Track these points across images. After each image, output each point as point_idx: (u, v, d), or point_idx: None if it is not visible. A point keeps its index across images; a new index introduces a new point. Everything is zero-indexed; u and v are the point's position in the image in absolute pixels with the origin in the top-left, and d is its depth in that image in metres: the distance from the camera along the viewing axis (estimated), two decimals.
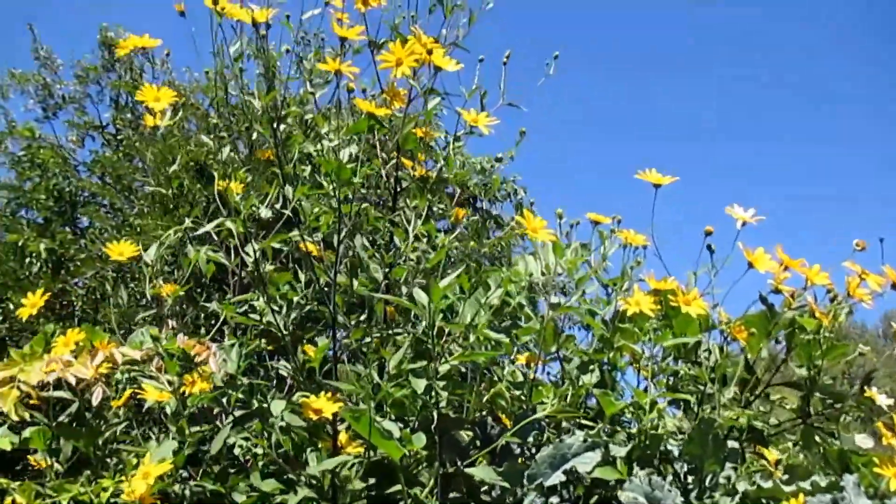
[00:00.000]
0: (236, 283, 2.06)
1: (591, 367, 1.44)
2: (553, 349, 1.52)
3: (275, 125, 1.30)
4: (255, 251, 1.25)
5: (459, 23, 1.60)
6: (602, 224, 1.57)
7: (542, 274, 1.39)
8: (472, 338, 1.22)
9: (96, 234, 5.06)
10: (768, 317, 1.54)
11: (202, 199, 5.18)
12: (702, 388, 1.52)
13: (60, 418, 1.45)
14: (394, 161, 1.65)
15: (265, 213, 1.48)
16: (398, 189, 1.67)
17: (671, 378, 1.54)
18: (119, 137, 6.47)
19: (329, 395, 1.24)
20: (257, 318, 1.44)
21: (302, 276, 1.74)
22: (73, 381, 1.17)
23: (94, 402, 1.22)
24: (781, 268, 1.34)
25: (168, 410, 1.41)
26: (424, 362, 1.21)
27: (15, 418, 1.21)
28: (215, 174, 5.18)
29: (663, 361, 1.48)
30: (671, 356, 1.57)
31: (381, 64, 1.32)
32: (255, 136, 1.84)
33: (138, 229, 4.93)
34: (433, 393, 1.16)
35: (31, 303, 1.63)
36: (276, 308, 1.42)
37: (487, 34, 1.70)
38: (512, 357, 1.51)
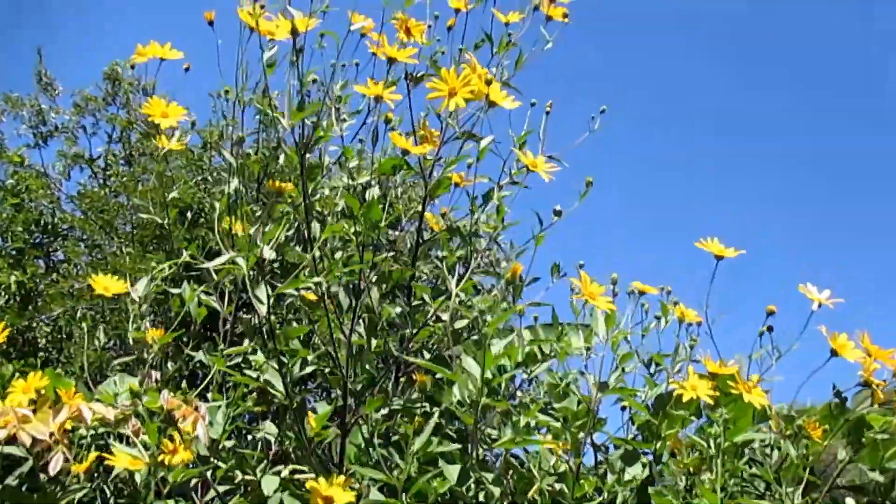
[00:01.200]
0: (227, 332, 1.85)
1: (639, 457, 1.24)
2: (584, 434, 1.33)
3: (303, 151, 1.12)
4: (269, 297, 1.05)
5: (505, 62, 1.45)
6: (647, 294, 1.40)
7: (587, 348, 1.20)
8: (522, 420, 1.03)
9: (69, 270, 4.82)
10: (835, 412, 1.36)
11: (188, 240, 4.97)
12: (761, 489, 1.32)
13: (8, 480, 1.22)
14: (418, 209, 1.47)
15: (269, 253, 1.28)
16: (420, 241, 1.49)
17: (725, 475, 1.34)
18: (108, 172, 6.29)
19: (342, 479, 1.02)
20: (253, 375, 1.23)
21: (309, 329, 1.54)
22: (27, 441, 0.95)
23: (52, 472, 1.00)
24: (871, 358, 1.17)
25: (138, 480, 1.19)
26: (456, 445, 1.01)
27: None
28: (201, 215, 4.86)
29: (723, 457, 1.28)
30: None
31: (432, 93, 1.15)
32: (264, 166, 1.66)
33: (114, 267, 4.70)
34: (471, 485, 0.95)
35: None
36: (275, 366, 1.21)
37: (540, 75, 1.55)
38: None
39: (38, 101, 6.32)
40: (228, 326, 1.78)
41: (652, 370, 1.40)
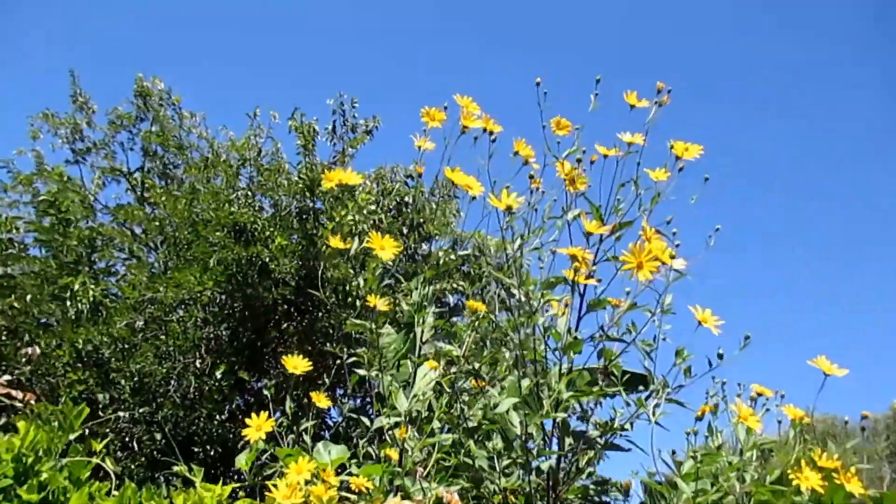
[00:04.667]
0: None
1: None
2: None
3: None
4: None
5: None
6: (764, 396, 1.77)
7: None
8: None
9: (134, 282, 5.08)
10: None
11: (240, 259, 5.25)
12: None
13: None
14: None
15: None
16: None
17: None
18: (145, 184, 6.53)
19: None
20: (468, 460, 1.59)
21: None
22: None
23: None
24: None
25: None
26: None
27: None
28: (253, 233, 5.28)
29: None
30: None
31: (623, 266, 1.52)
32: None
33: (175, 282, 4.99)
34: None
35: (257, 425, 1.75)
36: (486, 454, 1.58)
37: None
38: None
39: (75, 118, 6.54)
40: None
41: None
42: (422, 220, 6.36)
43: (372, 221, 5.37)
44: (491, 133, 1.84)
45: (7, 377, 2.65)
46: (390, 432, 1.67)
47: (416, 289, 2.03)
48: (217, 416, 5.37)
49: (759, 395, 1.75)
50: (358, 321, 2.02)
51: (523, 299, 1.64)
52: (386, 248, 1.76)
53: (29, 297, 4.67)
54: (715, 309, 1.63)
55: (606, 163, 1.83)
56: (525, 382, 1.56)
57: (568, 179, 1.72)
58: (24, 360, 3.87)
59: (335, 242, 1.98)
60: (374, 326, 1.93)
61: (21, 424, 2.22)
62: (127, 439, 5.06)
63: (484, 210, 1.93)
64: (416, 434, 1.60)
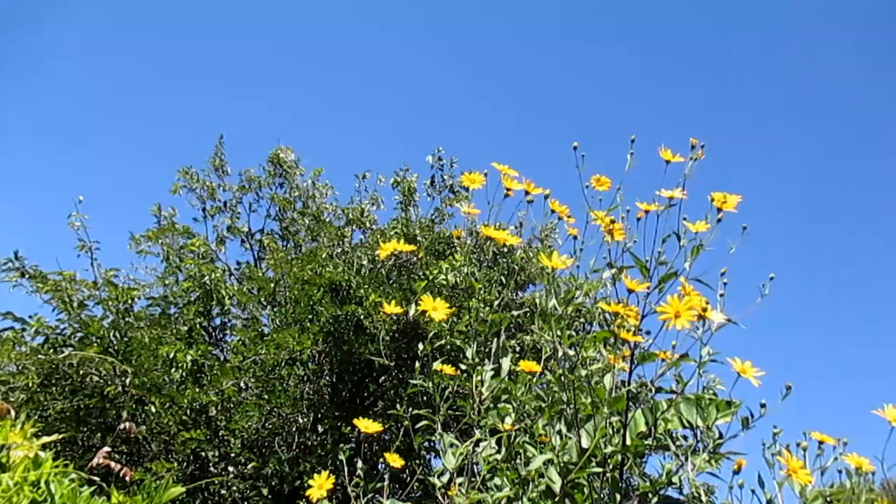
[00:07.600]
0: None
1: None
2: None
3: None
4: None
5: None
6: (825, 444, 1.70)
7: None
8: None
9: (238, 347, 5.38)
10: None
11: (337, 317, 5.45)
12: None
13: None
14: None
15: None
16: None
17: None
18: (263, 245, 6.90)
19: None
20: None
21: None
22: None
23: None
24: None
25: None
26: None
27: None
28: (349, 292, 5.45)
29: None
30: None
31: (661, 315, 1.53)
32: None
33: (275, 344, 5.25)
34: None
35: (319, 484, 1.86)
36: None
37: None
38: None
39: (210, 179, 7.04)
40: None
41: None
42: (517, 267, 6.41)
43: (464, 275, 5.46)
44: (528, 194, 1.92)
45: (107, 449, 2.86)
46: (442, 490, 1.72)
47: (471, 346, 2.09)
48: (321, 470, 5.54)
49: (820, 442, 1.69)
50: (417, 382, 2.10)
51: (561, 355, 1.67)
52: (438, 310, 1.86)
53: (135, 361, 4.97)
54: None
55: (650, 215, 1.84)
56: (557, 441, 1.58)
57: (606, 231, 1.76)
58: (122, 434, 4.13)
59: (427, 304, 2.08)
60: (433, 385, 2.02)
61: (114, 493, 2.43)
62: (237, 494, 5.28)
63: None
64: (462, 491, 1.64)
